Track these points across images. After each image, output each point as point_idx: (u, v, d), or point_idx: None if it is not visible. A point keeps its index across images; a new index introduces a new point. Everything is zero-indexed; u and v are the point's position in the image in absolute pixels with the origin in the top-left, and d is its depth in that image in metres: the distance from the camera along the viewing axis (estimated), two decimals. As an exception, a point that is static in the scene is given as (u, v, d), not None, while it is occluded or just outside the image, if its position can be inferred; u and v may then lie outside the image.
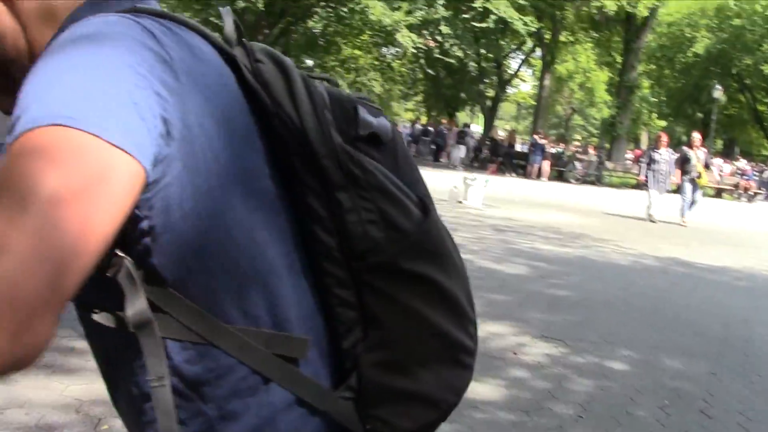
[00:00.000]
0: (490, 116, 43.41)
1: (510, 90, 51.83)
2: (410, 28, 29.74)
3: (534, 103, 48.91)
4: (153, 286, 0.96)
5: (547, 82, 42.51)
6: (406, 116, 56.50)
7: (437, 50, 33.63)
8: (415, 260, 1.10)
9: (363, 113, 1.09)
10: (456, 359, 1.15)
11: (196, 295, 0.99)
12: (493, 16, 30.21)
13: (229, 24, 1.10)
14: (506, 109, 70.66)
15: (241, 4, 30.74)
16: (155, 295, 0.97)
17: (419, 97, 52.32)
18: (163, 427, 1.01)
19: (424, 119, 47.39)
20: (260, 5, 29.17)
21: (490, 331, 6.26)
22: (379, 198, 1.08)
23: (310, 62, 46.98)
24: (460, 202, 16.87)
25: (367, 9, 28.64)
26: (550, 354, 5.90)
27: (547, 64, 41.58)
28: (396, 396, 1.12)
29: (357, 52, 44.87)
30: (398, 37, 29.31)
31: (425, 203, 1.13)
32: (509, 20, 30.26)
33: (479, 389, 4.85)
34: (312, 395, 1.09)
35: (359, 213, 1.07)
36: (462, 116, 52.65)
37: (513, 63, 47.72)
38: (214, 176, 0.96)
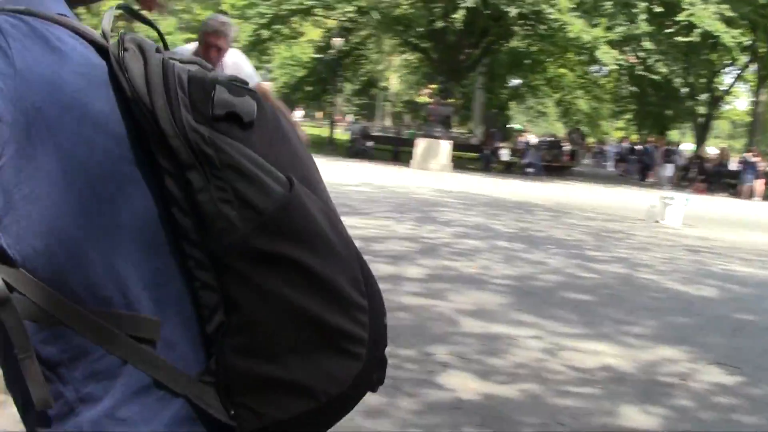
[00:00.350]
0: (701, 134, 41.60)
1: (725, 107, 49.49)
2: (611, 44, 29.03)
3: (750, 119, 46.38)
4: (6, 266, 0.99)
5: (763, 97, 40.21)
6: (616, 135, 55.10)
7: (640, 67, 32.61)
8: (273, 240, 1.03)
9: (221, 93, 1.04)
10: (338, 347, 1.06)
11: (45, 276, 1.00)
12: (698, 30, 28.88)
13: (106, 19, 1.12)
14: (722, 126, 67.96)
15: (440, 24, 31.13)
16: (9, 275, 0.99)
17: (629, 115, 50.93)
18: (37, 398, 1.01)
19: (634, 137, 46.18)
20: (459, 25, 29.36)
21: (661, 355, 5.87)
22: (233, 177, 1.03)
23: (516, 81, 46.99)
24: (657, 221, 16.16)
25: (565, 26, 28.23)
26: (722, 383, 5.39)
27: (763, 79, 39.34)
28: (261, 383, 1.06)
29: (562, 70, 44.45)
30: (598, 53, 28.70)
31: (291, 181, 1.05)
32: (715, 34, 28.83)
33: (637, 416, 4.55)
34: (168, 378, 1.06)
35: (210, 192, 1.03)
36: (673, 134, 50.67)
37: (727, 78, 45.48)
38: (54, 160, 0.99)
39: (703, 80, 40.16)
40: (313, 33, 42.34)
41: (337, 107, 48.27)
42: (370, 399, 1.32)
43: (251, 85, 1.14)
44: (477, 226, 12.61)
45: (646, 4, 29.44)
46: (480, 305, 6.88)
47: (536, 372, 5.12)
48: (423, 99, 46.84)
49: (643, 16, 29.09)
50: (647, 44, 30.03)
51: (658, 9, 30.15)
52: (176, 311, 1.07)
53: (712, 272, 10.32)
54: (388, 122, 59.12)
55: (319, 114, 62.14)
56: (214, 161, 1.02)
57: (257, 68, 9.07)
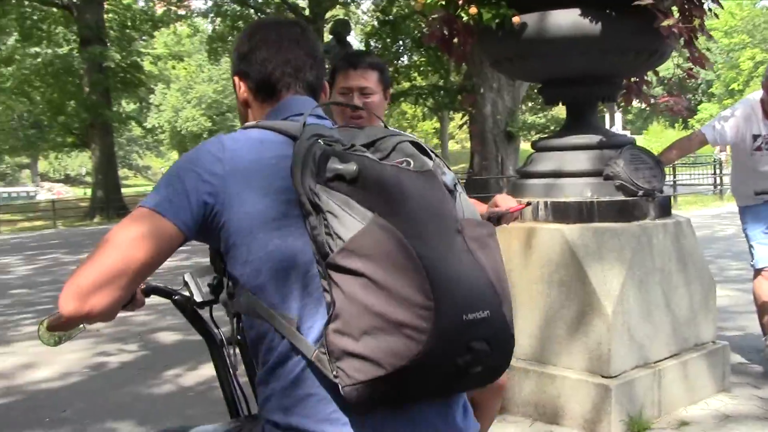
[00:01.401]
0: None
1: None
2: None
3: None
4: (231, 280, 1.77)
5: None
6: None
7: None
8: (348, 258, 1.54)
9: (332, 162, 1.59)
10: (400, 333, 1.50)
11: (250, 288, 1.71)
12: None
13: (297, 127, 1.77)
14: None
15: None
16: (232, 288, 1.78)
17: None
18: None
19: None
20: None
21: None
22: (330, 217, 1.57)
23: None
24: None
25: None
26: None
27: None
28: (349, 354, 1.54)
29: None
30: None
31: (382, 221, 1.54)
32: None
33: None
34: (304, 348, 1.65)
35: (320, 228, 1.59)
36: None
37: None
38: (247, 220, 1.70)
39: None
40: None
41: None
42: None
43: None
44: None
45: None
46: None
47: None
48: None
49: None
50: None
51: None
52: (312, 308, 1.67)
53: None
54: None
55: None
56: (321, 208, 1.58)
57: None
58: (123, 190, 36.70)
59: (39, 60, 32.75)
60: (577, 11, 4.46)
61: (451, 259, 1.56)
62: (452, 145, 58.39)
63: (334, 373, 1.56)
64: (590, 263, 4.48)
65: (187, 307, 2.11)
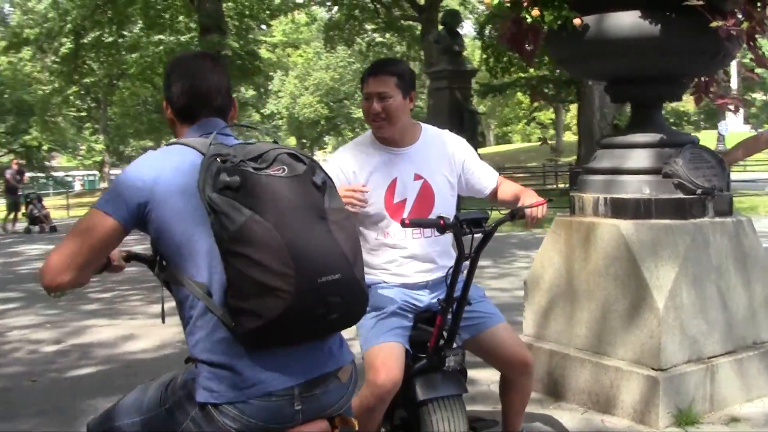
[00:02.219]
0: None
1: None
2: None
3: None
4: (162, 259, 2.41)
5: None
6: None
7: None
8: (234, 244, 2.16)
9: (222, 176, 2.19)
10: (271, 294, 2.13)
11: (173, 263, 2.35)
12: None
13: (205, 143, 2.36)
14: None
15: None
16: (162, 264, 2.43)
17: None
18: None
19: None
20: None
21: None
22: (222, 216, 2.18)
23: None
24: None
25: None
26: None
27: None
28: (241, 310, 2.19)
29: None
30: None
31: (256, 216, 2.15)
32: None
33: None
34: (212, 307, 2.27)
35: (216, 224, 2.20)
36: None
37: None
38: (169, 215, 2.30)
39: None
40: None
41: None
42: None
43: None
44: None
45: None
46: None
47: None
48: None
49: None
50: None
51: None
52: (217, 278, 2.27)
53: None
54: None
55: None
56: (215, 208, 2.18)
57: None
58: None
59: (161, 48, 33.89)
60: (636, 13, 4.58)
61: (311, 239, 2.19)
62: (569, 136, 57.80)
63: (233, 324, 2.22)
64: (644, 258, 4.61)
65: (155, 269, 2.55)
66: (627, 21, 4.62)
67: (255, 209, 2.15)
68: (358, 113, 68.02)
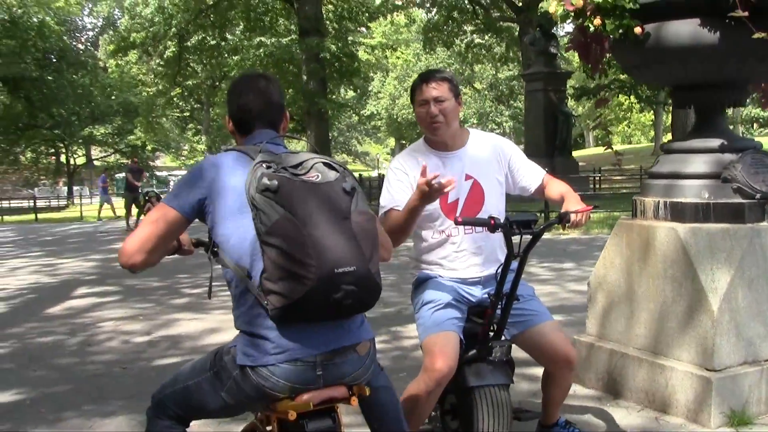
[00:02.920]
0: None
1: None
2: None
3: None
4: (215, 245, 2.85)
5: None
6: None
7: None
8: (269, 237, 2.57)
9: (264, 180, 2.59)
10: (297, 279, 2.55)
11: (223, 249, 2.79)
12: None
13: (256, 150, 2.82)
14: None
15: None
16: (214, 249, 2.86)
17: None
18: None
19: None
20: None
21: None
22: (261, 213, 2.59)
23: None
24: None
25: None
26: None
27: None
28: (271, 292, 2.60)
29: None
30: None
31: (288, 215, 2.57)
32: None
33: None
34: (251, 288, 2.70)
35: (257, 219, 2.61)
36: None
37: None
38: (223, 210, 2.77)
39: None
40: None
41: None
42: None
43: None
44: None
45: None
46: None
47: None
48: None
49: None
50: None
51: None
52: (256, 264, 2.67)
53: None
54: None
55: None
56: (257, 206, 2.59)
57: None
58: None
59: (261, 50, 34.63)
60: (695, 21, 4.66)
61: (332, 236, 2.60)
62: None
63: (265, 302, 2.64)
64: (700, 261, 4.72)
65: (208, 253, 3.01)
66: (686, 29, 4.72)
67: (288, 209, 2.57)
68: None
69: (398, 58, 61.28)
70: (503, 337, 3.90)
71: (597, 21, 4.78)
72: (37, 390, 6.01)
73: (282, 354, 2.66)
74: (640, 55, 5.01)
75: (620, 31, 4.80)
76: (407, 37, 64.29)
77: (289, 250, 2.54)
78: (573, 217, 3.76)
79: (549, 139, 26.23)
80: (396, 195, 3.95)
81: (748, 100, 5.30)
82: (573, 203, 3.89)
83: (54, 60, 50.21)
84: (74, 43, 58.80)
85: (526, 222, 3.70)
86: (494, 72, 61.36)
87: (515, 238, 3.72)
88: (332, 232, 2.60)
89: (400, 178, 4.00)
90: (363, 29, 40.55)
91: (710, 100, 5.14)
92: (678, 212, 4.98)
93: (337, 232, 2.61)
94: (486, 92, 66.94)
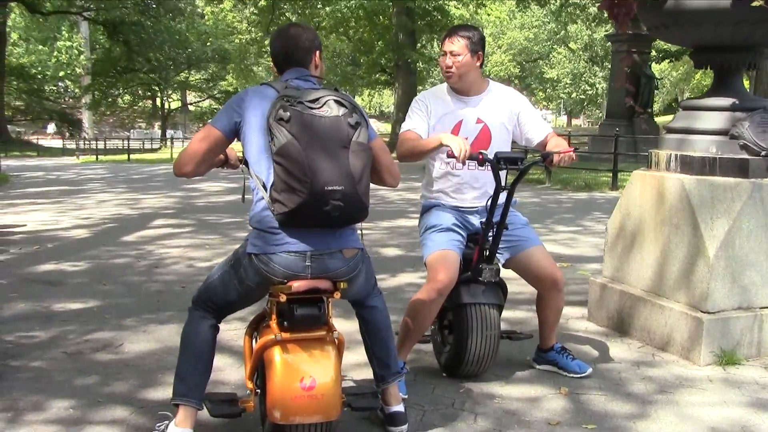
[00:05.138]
0: None
1: None
2: None
3: None
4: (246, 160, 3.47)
5: None
6: None
7: None
8: (278, 156, 3.16)
9: (280, 111, 3.16)
10: (294, 192, 3.14)
11: (250, 163, 3.42)
12: None
13: (282, 86, 3.40)
14: None
15: None
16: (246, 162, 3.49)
17: None
18: None
19: None
20: None
21: None
22: (274, 137, 3.18)
23: None
24: None
25: None
26: None
27: None
28: (276, 200, 3.21)
29: None
30: None
31: (293, 140, 3.13)
32: None
33: None
34: (265, 195, 3.33)
35: (270, 141, 3.21)
36: None
37: None
38: (250, 129, 3.37)
39: None
40: None
41: None
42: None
43: None
44: None
45: None
46: None
47: None
48: None
49: None
50: None
51: None
52: (270, 177, 3.27)
53: None
54: None
55: None
56: (272, 130, 3.19)
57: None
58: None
59: (353, 2, 34.99)
60: (710, -15, 4.99)
61: (328, 160, 3.14)
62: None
63: (272, 208, 3.24)
64: (701, 211, 5.07)
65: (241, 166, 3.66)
66: (701, -8, 5.04)
67: (294, 135, 3.12)
68: (551, 73, 67.57)
69: (489, 14, 60.87)
70: (495, 262, 4.44)
71: (620, -19, 5.13)
72: (104, 300, 6.71)
73: (280, 246, 3.27)
74: (660, 16, 5.35)
75: (642, -8, 5.14)
76: (502, -6, 63.90)
77: (290, 168, 3.12)
78: (555, 157, 4.26)
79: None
80: (415, 121, 4.57)
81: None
82: (558, 147, 4.42)
83: (153, 5, 51.42)
84: (174, -11, 60.09)
85: (512, 159, 4.22)
86: (589, 33, 60.49)
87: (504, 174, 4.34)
88: (329, 157, 3.14)
89: (421, 108, 4.62)
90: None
91: (726, 61, 5.44)
92: (687, 165, 5.32)
93: (333, 157, 3.15)
94: (581, 53, 66.07)
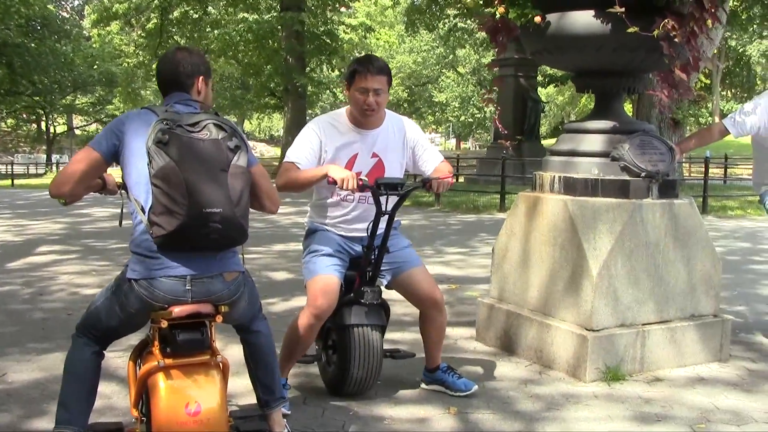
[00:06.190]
0: None
1: None
2: None
3: None
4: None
5: None
6: None
7: None
8: (156, 179, 3.14)
9: (158, 134, 3.14)
10: (173, 215, 3.14)
11: (129, 187, 3.41)
12: None
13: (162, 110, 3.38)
14: None
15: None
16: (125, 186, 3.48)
17: None
18: None
19: None
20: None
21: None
22: (152, 159, 3.15)
23: None
24: None
25: None
26: None
27: None
28: (154, 223, 3.19)
29: None
30: None
31: (171, 163, 3.12)
32: None
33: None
34: (143, 219, 3.31)
35: (149, 164, 3.18)
36: None
37: None
38: (129, 153, 3.36)
39: None
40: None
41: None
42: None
43: None
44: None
45: None
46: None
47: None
48: None
49: None
50: None
51: None
52: (148, 200, 3.26)
53: None
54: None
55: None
56: (150, 155, 3.15)
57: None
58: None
59: (241, 25, 34.85)
60: (591, 12, 5.13)
61: (206, 182, 3.15)
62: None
63: (150, 231, 3.22)
64: (584, 231, 5.20)
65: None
66: (582, 20, 5.18)
67: (173, 158, 3.11)
68: (440, 97, 68.39)
69: (378, 39, 61.47)
70: (376, 285, 4.55)
71: (501, 9, 5.26)
72: (-16, 330, 6.45)
73: (160, 270, 3.25)
74: (541, 42, 5.49)
75: (522, 19, 5.26)
76: (391, 20, 64.51)
77: (169, 191, 3.10)
78: (434, 183, 4.39)
79: (518, 124, 26.70)
80: (302, 153, 4.48)
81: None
82: (439, 173, 4.56)
83: (38, 27, 50.20)
84: (59, 11, 58.73)
85: (393, 184, 4.31)
86: (477, 57, 61.62)
87: (384, 199, 4.36)
88: (208, 180, 3.15)
89: (312, 141, 4.52)
90: (343, 9, 40.70)
91: (607, 86, 5.63)
92: (570, 186, 5.46)
93: (211, 180, 3.16)
94: (469, 76, 67.19)
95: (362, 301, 4.48)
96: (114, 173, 3.66)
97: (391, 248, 4.53)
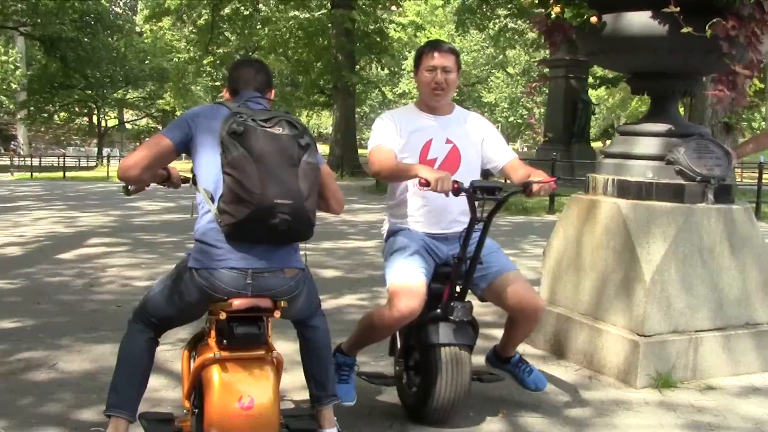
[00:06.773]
0: None
1: None
2: None
3: None
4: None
5: None
6: None
7: None
8: (229, 168, 3.20)
9: (232, 125, 3.22)
10: (244, 204, 3.18)
11: (198, 177, 3.47)
12: None
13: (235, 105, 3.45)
14: None
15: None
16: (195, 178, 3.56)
17: None
18: None
19: None
20: None
21: None
22: (226, 149, 3.22)
23: None
24: None
25: None
26: None
27: None
28: (224, 212, 3.23)
29: None
30: None
31: (245, 153, 3.19)
32: None
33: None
34: (211, 208, 3.34)
35: (222, 154, 3.25)
36: None
37: None
38: (201, 144, 3.43)
39: None
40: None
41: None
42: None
43: None
44: None
45: None
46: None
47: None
48: None
49: None
50: None
51: None
52: (218, 189, 3.31)
53: None
54: None
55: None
56: (225, 144, 3.23)
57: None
58: (360, 150, 38.49)
59: (292, 22, 34.98)
60: (648, 13, 5.05)
61: (278, 174, 3.20)
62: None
63: (219, 220, 3.25)
64: (638, 235, 5.13)
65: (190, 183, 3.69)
66: (638, 20, 5.11)
67: (246, 149, 3.17)
68: (489, 97, 68.22)
69: (428, 38, 61.37)
70: (466, 299, 4.19)
71: (556, 9, 5.19)
72: (38, 319, 6.57)
73: (222, 261, 3.26)
74: (597, 42, 5.42)
75: (578, 19, 5.20)
76: (441, 19, 64.36)
77: (241, 179, 3.14)
78: (535, 187, 4.02)
79: (567, 125, 26.51)
80: (385, 136, 4.32)
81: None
82: (537, 175, 4.22)
83: (91, 22, 50.85)
84: (112, 7, 59.49)
85: (490, 188, 3.95)
86: (527, 58, 61.29)
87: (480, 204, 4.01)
88: (279, 172, 3.19)
89: (389, 126, 4.36)
90: (394, 8, 40.65)
91: (662, 88, 5.54)
92: (623, 189, 5.39)
93: (283, 173, 3.21)
94: (518, 77, 66.84)
95: (451, 317, 4.09)
96: (178, 166, 3.74)
97: (483, 257, 4.17)
